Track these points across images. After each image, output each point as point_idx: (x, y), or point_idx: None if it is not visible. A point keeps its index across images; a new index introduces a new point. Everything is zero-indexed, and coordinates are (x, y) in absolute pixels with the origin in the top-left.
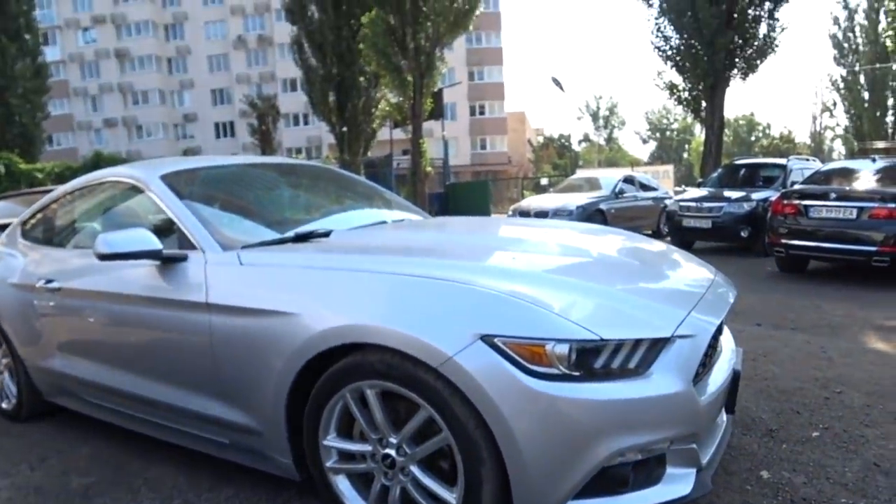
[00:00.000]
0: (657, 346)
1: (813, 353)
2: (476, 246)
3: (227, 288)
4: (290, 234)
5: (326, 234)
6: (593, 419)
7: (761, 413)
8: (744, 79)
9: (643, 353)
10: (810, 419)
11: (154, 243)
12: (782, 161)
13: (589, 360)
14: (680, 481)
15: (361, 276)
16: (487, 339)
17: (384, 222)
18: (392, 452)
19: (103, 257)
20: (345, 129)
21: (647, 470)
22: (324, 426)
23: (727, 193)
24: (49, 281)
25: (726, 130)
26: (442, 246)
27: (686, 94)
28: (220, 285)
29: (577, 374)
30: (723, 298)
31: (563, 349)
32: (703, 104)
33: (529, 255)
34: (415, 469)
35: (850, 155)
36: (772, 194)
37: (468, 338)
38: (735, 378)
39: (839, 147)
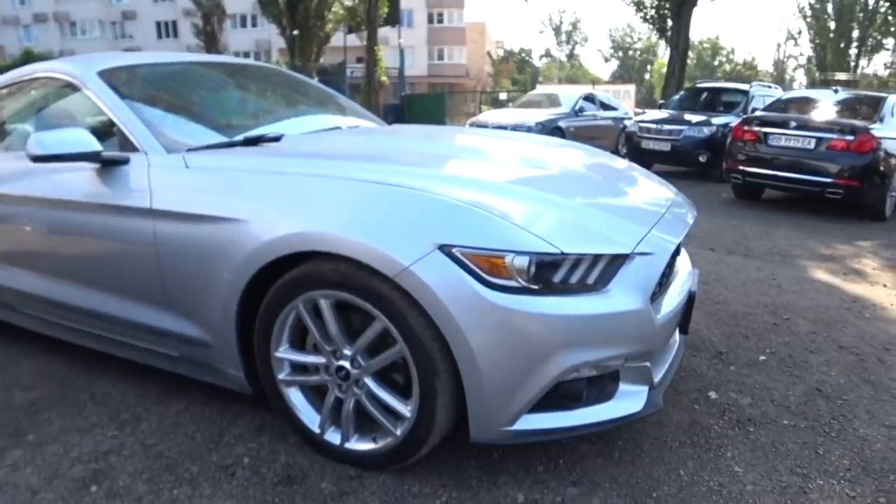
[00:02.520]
0: (616, 262)
1: (763, 279)
2: (436, 154)
3: (173, 193)
4: (240, 137)
5: (277, 139)
6: (550, 333)
7: (712, 336)
8: None
9: (602, 269)
10: (758, 343)
11: (92, 144)
12: (745, 87)
13: (548, 273)
14: (632, 398)
15: (315, 181)
16: (445, 249)
17: (338, 128)
18: (346, 364)
19: (37, 159)
20: (296, 32)
21: (600, 386)
22: (276, 338)
23: (688, 117)
24: None
25: (690, 53)
26: (400, 153)
27: (653, 11)
28: (165, 190)
29: (535, 287)
30: (682, 218)
31: (522, 262)
32: (670, 23)
33: (491, 165)
34: (369, 381)
35: (812, 85)
36: (733, 120)
37: (426, 247)
38: (690, 299)
39: (801, 77)
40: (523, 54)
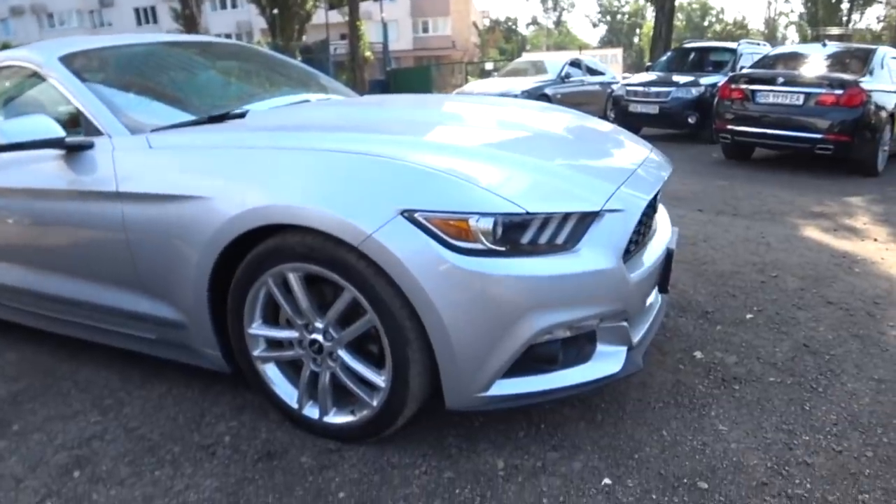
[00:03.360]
0: (585, 220)
1: (752, 238)
2: (406, 121)
3: (137, 174)
4: (204, 116)
5: (242, 115)
6: (519, 295)
7: (698, 296)
8: None
9: (571, 228)
10: (745, 302)
11: (55, 130)
12: (732, 45)
13: (515, 234)
14: (610, 359)
15: (279, 154)
16: (408, 215)
17: (307, 101)
18: (319, 338)
19: None
20: (276, 11)
21: (576, 347)
22: (248, 314)
23: (675, 78)
24: None
25: (678, 14)
26: (367, 122)
27: None
28: (130, 172)
29: (502, 249)
30: (656, 175)
31: (487, 223)
32: None
33: (465, 130)
34: (343, 353)
35: (804, 41)
36: (721, 79)
37: (388, 213)
38: (668, 257)
39: (793, 34)
40: (510, 23)
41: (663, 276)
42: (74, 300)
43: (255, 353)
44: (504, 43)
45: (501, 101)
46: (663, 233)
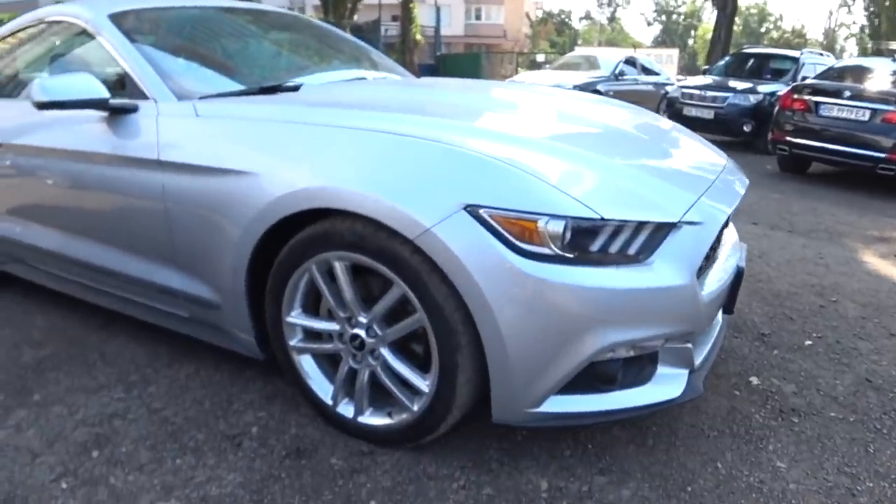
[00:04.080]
0: (661, 231)
1: (809, 258)
2: (467, 107)
3: (181, 142)
4: (255, 87)
5: (295, 88)
6: (585, 308)
7: (753, 316)
8: None
9: (645, 238)
10: (803, 326)
11: (98, 90)
12: (795, 53)
13: (585, 241)
14: (671, 382)
15: (331, 132)
16: (472, 210)
17: (363, 79)
18: (361, 333)
19: (41, 106)
20: None
21: (636, 368)
22: (287, 301)
23: (733, 84)
24: None
25: (736, 19)
26: (427, 104)
27: None
28: (173, 140)
29: (570, 256)
30: (733, 187)
31: (557, 227)
32: None
33: (527, 120)
34: (386, 352)
35: (864, 55)
36: (780, 88)
37: (450, 207)
38: (738, 276)
39: (852, 47)
40: (563, 16)
41: (730, 296)
42: (106, 269)
43: (292, 342)
44: (555, 36)
45: (567, 93)
46: (732, 249)
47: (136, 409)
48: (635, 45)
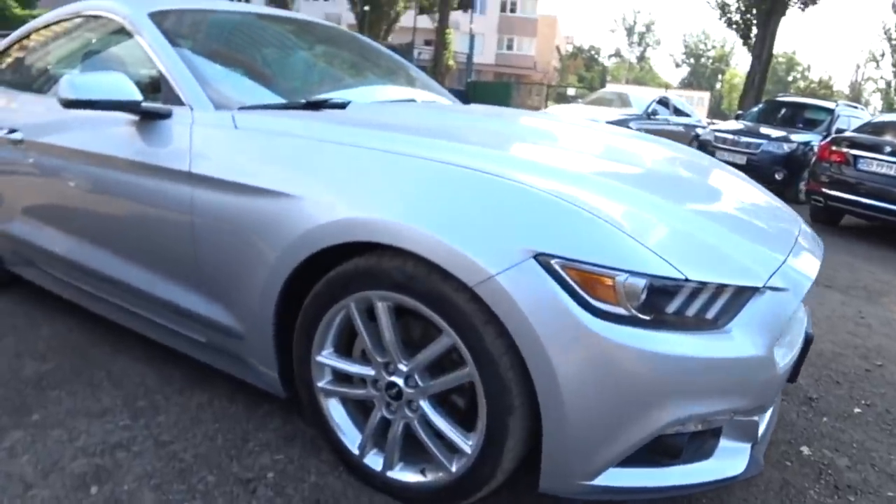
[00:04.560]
0: (743, 295)
1: (850, 316)
2: (526, 139)
3: (216, 155)
4: (300, 100)
5: (343, 106)
6: (659, 377)
7: (799, 377)
8: (803, 9)
9: (725, 302)
10: (851, 392)
11: (131, 92)
12: (830, 105)
13: (661, 302)
14: (733, 457)
15: (385, 158)
16: (543, 259)
17: (412, 101)
18: (400, 381)
19: (68, 104)
20: (367, 8)
21: (700, 441)
22: (319, 339)
23: (766, 131)
24: (11, 131)
25: None
26: (486, 134)
27: (738, 16)
28: (208, 151)
29: (646, 318)
30: (813, 250)
31: (636, 284)
32: (755, 31)
33: (594, 159)
34: (425, 405)
35: (889, 109)
36: (814, 138)
37: (518, 254)
38: (807, 344)
39: (877, 101)
40: (592, 52)
41: (797, 364)
42: (121, 281)
43: (320, 383)
44: (584, 71)
45: (622, 131)
46: (800, 313)
47: (143, 441)
48: (665, 86)
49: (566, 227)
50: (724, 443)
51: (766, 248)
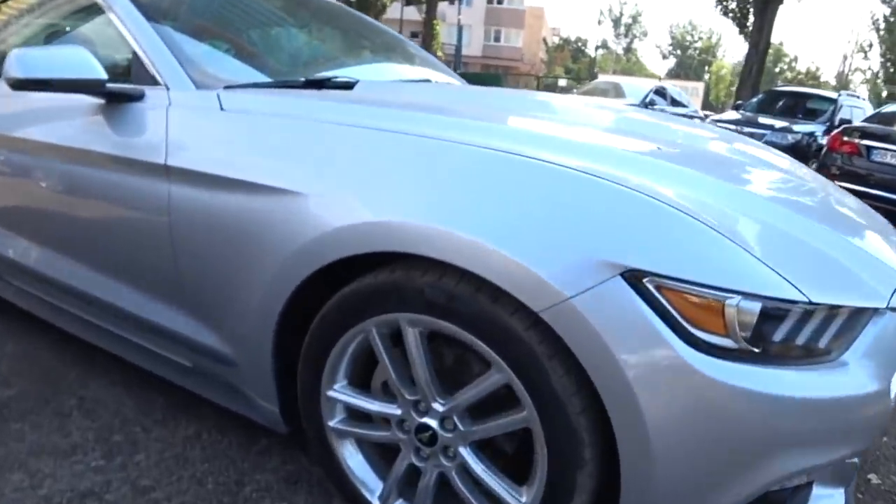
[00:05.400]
0: (860, 317)
1: None
2: (587, 125)
3: (197, 144)
4: (299, 79)
5: (349, 85)
6: (771, 424)
7: None
8: None
9: (840, 327)
10: None
11: (93, 68)
12: (832, 94)
13: (770, 329)
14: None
15: (420, 145)
16: (633, 278)
17: (427, 80)
18: (434, 424)
19: (17, 84)
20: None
21: (796, 493)
22: (330, 369)
23: (768, 121)
24: None
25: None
26: (537, 119)
27: (734, 4)
28: (187, 139)
29: (755, 350)
30: None
31: (750, 310)
32: (751, 19)
33: (669, 150)
34: (466, 453)
35: (877, 99)
36: (817, 129)
37: (601, 270)
38: None
39: (863, 92)
40: (579, 43)
41: None
42: (91, 296)
43: (331, 422)
44: (571, 62)
45: (666, 115)
46: None
47: (118, 487)
48: (651, 76)
49: (663, 235)
50: (817, 490)
51: (882, 258)
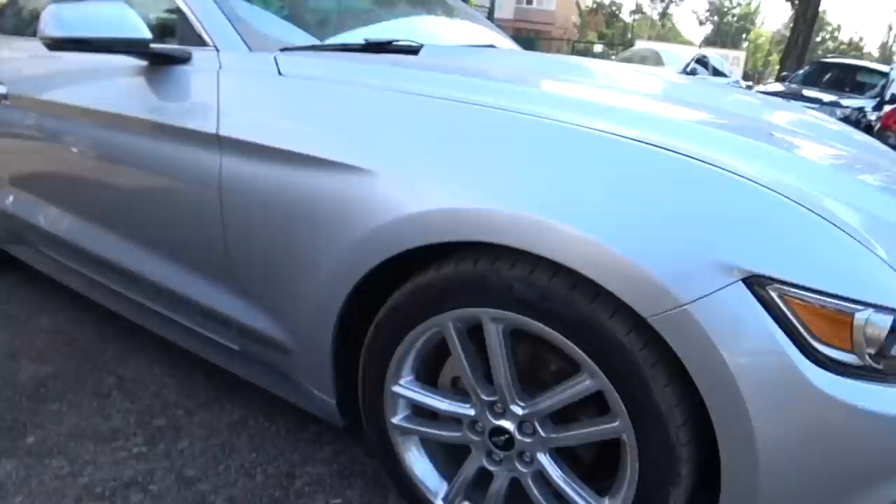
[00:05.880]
0: None
1: None
2: (692, 105)
3: (254, 112)
4: (358, 42)
5: (413, 50)
6: (890, 447)
7: None
8: None
9: None
10: None
11: (135, 27)
12: (884, 68)
13: (890, 342)
14: None
15: (515, 123)
16: (755, 284)
17: (491, 46)
18: (511, 427)
19: (52, 43)
20: None
21: None
22: (396, 364)
23: (815, 94)
24: None
25: (791, 25)
26: (624, 95)
27: None
28: (242, 107)
29: (879, 367)
30: None
31: (881, 325)
32: None
33: (788, 137)
34: (544, 459)
35: None
36: (867, 104)
37: (722, 274)
38: None
39: None
40: (613, 7)
41: None
42: (134, 273)
43: (394, 419)
44: (605, 27)
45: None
46: None
47: (162, 477)
48: (687, 44)
49: (789, 237)
50: None
51: None
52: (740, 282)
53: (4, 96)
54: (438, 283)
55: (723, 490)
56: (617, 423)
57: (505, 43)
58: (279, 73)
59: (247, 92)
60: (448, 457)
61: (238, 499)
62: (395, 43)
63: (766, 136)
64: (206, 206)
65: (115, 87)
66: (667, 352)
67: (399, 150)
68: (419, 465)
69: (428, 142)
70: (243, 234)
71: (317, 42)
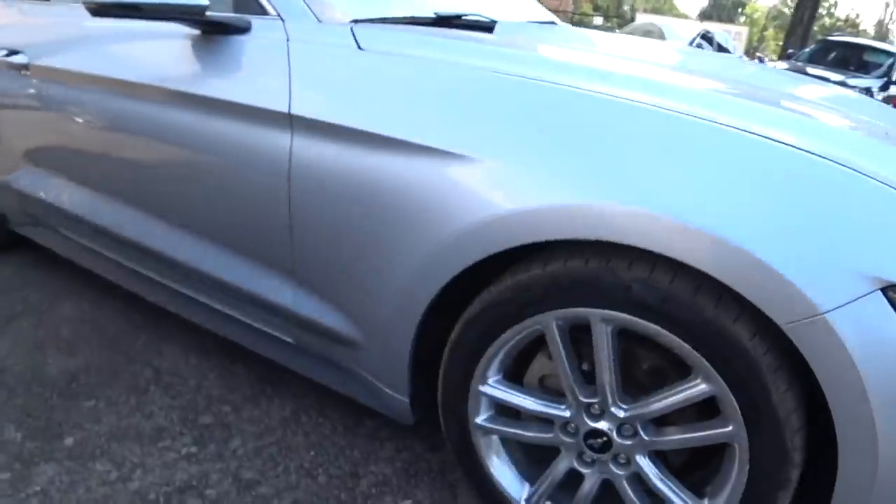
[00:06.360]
0: None
1: None
2: (777, 92)
3: (333, 89)
4: (429, 15)
5: (488, 27)
6: None
7: None
8: None
9: None
10: None
11: None
12: (890, 48)
13: None
14: None
15: (637, 114)
16: (893, 293)
17: (552, 23)
18: (609, 429)
19: (98, 9)
20: None
21: None
22: (485, 363)
23: (821, 73)
24: (12, 52)
25: (787, 1)
26: (720, 83)
27: None
28: (318, 83)
29: None
30: None
31: None
32: None
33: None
34: (644, 462)
35: None
36: (874, 83)
37: (860, 283)
38: None
39: None
40: None
41: None
42: (168, 256)
43: (478, 419)
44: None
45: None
46: None
47: (219, 480)
48: (682, 17)
49: None
50: None
51: None
52: (878, 291)
53: (25, 66)
54: (544, 281)
55: (836, 495)
56: (730, 428)
57: (551, 17)
58: (359, 47)
59: (324, 67)
60: (529, 457)
61: (303, 502)
62: (465, 17)
63: (883, 134)
64: (269, 189)
65: (157, 57)
66: (788, 357)
67: (505, 138)
68: (501, 466)
69: (537, 130)
70: (314, 224)
71: (384, 14)
